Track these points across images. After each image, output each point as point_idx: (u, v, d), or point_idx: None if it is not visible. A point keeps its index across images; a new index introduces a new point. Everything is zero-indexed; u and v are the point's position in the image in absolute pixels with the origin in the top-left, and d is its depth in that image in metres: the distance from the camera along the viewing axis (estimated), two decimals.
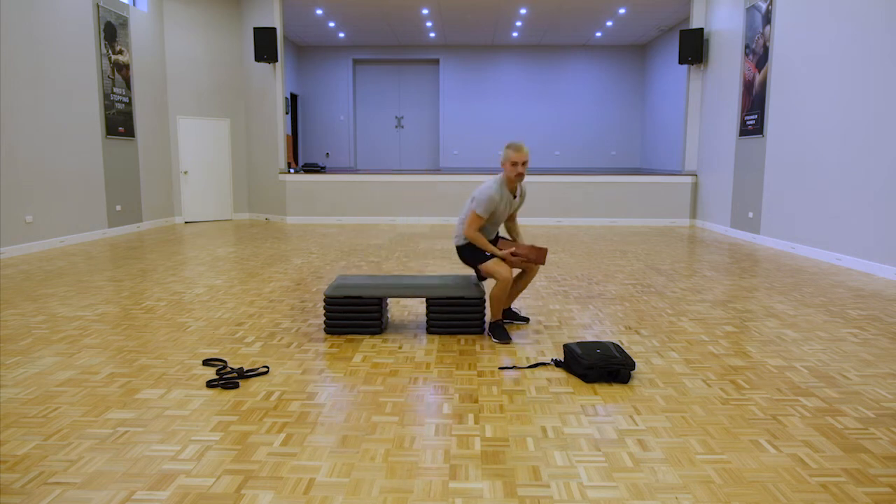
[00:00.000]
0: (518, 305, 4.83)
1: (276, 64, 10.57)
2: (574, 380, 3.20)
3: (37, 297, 5.04)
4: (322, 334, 4.00)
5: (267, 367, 3.34)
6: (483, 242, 3.83)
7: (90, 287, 5.41)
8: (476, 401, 2.93)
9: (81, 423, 2.66)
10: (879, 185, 6.07)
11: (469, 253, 3.99)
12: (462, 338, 3.92)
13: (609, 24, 12.62)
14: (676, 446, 2.47)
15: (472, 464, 2.33)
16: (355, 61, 15.24)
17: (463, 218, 3.95)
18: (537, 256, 3.82)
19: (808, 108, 7.22)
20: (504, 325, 3.96)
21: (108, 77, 8.88)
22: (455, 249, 4.11)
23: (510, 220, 4.19)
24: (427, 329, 4.02)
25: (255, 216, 11.52)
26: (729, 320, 4.38)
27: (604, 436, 2.56)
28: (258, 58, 10.30)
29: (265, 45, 10.23)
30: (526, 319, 4.32)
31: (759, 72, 8.26)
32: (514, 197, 3.94)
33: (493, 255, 3.86)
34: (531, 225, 10.54)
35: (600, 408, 2.84)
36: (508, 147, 3.77)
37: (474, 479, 2.22)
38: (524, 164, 3.75)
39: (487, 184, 3.83)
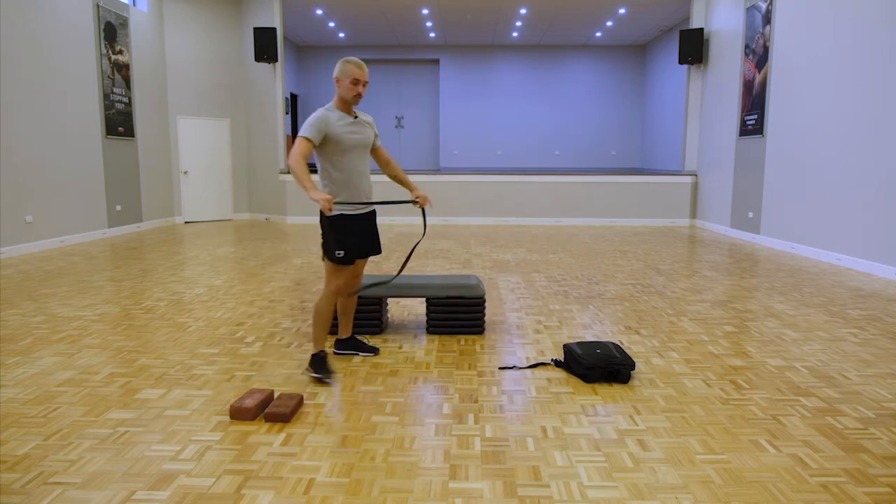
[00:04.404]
0: (518, 306, 4.82)
1: (276, 64, 10.57)
2: (574, 380, 3.20)
3: (37, 297, 5.04)
4: None
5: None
6: (301, 173, 2.93)
7: (90, 287, 5.41)
8: (476, 401, 2.93)
9: (81, 423, 2.66)
10: (879, 185, 6.07)
11: (325, 226, 3.17)
12: (462, 338, 3.92)
13: (609, 24, 12.62)
14: (676, 446, 2.47)
15: (472, 464, 2.33)
16: None
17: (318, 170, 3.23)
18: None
19: (808, 108, 7.22)
20: (326, 357, 3.24)
21: (108, 77, 8.88)
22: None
23: (384, 163, 3.40)
24: (427, 329, 4.02)
25: (255, 216, 11.52)
26: (729, 320, 4.38)
27: (604, 436, 2.56)
28: (258, 58, 10.30)
29: (265, 45, 10.23)
30: (374, 350, 3.62)
31: (759, 72, 8.26)
32: (355, 118, 3.21)
33: (338, 248, 3.15)
34: (532, 225, 10.54)
35: (600, 408, 2.84)
36: (348, 62, 3.13)
37: (474, 479, 2.22)
38: (366, 84, 3.16)
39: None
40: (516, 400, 2.94)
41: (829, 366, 3.43)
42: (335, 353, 3.59)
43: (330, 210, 2.85)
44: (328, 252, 3.17)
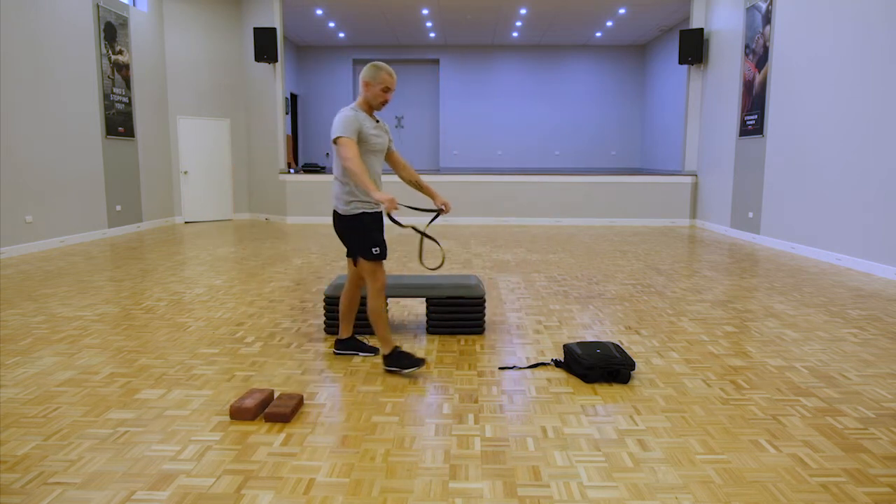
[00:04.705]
0: (518, 306, 4.81)
1: (276, 64, 10.57)
2: (574, 380, 3.20)
3: (37, 297, 5.04)
4: (322, 334, 4.00)
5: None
6: (362, 174, 3.01)
7: (90, 287, 5.41)
8: (476, 401, 2.93)
9: (81, 423, 2.66)
10: (879, 185, 6.07)
11: (351, 227, 3.25)
12: (462, 338, 3.92)
13: (609, 24, 12.62)
14: (676, 446, 2.47)
15: (472, 464, 2.33)
16: (355, 61, 15.23)
17: (337, 168, 3.25)
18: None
19: (808, 108, 7.22)
20: (403, 350, 3.34)
21: (108, 77, 8.88)
22: (334, 218, 3.34)
23: (400, 167, 3.48)
24: (427, 329, 4.02)
25: (255, 216, 11.52)
26: (729, 320, 4.38)
27: (604, 436, 2.56)
28: (258, 58, 10.30)
29: (265, 45, 10.23)
30: (374, 350, 3.60)
31: (759, 72, 8.26)
32: (377, 122, 3.30)
33: (372, 245, 3.22)
34: (532, 225, 10.54)
35: (600, 408, 2.84)
36: (380, 69, 3.16)
37: (474, 479, 2.22)
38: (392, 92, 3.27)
39: (340, 110, 3.24)
40: (516, 400, 2.94)
41: (829, 366, 3.43)
42: (335, 353, 3.59)
43: (396, 209, 2.94)
44: (364, 252, 3.21)
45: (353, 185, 3.21)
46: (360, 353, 3.59)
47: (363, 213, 3.22)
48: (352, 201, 3.20)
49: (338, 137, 3.09)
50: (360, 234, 3.22)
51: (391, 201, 2.93)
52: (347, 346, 3.59)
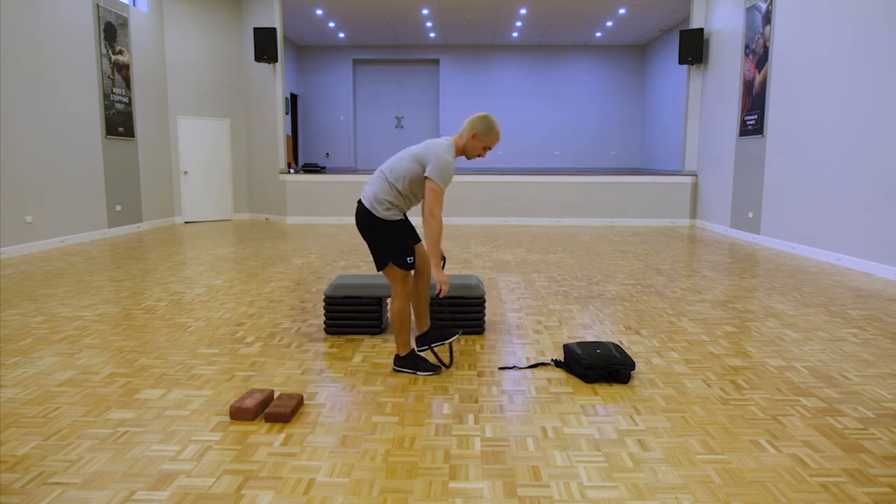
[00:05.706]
0: (518, 306, 4.82)
1: (276, 64, 10.57)
2: (574, 380, 3.20)
3: (37, 297, 5.04)
4: (322, 334, 4.00)
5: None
6: (439, 245, 3.11)
7: (90, 287, 5.41)
8: (476, 401, 2.93)
9: (81, 423, 2.66)
10: (879, 185, 6.07)
11: (386, 231, 3.18)
12: (462, 338, 3.92)
13: (609, 24, 12.62)
14: (676, 446, 2.47)
15: (472, 464, 2.33)
16: (355, 61, 15.24)
17: (395, 176, 3.15)
18: None
19: (808, 108, 7.22)
20: (420, 354, 3.35)
21: (108, 77, 8.88)
22: (363, 215, 3.19)
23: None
24: None
25: (255, 216, 11.52)
26: (729, 320, 4.38)
27: (604, 436, 2.56)
28: (258, 58, 10.30)
29: (265, 45, 10.23)
30: (458, 331, 3.44)
31: (759, 72, 8.26)
32: None
33: (407, 254, 3.18)
34: (532, 225, 10.54)
35: (600, 408, 2.84)
36: (493, 128, 3.16)
37: (474, 479, 2.22)
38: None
39: (440, 144, 3.15)
40: (516, 400, 2.94)
41: (829, 366, 3.43)
42: (416, 350, 3.42)
43: (445, 294, 3.11)
44: (398, 259, 3.18)
45: (402, 205, 3.21)
46: (441, 342, 3.40)
47: (401, 219, 3.23)
48: (391, 208, 3.18)
49: (435, 184, 3.07)
50: (396, 240, 3.19)
51: (446, 284, 3.08)
52: (428, 341, 3.39)
